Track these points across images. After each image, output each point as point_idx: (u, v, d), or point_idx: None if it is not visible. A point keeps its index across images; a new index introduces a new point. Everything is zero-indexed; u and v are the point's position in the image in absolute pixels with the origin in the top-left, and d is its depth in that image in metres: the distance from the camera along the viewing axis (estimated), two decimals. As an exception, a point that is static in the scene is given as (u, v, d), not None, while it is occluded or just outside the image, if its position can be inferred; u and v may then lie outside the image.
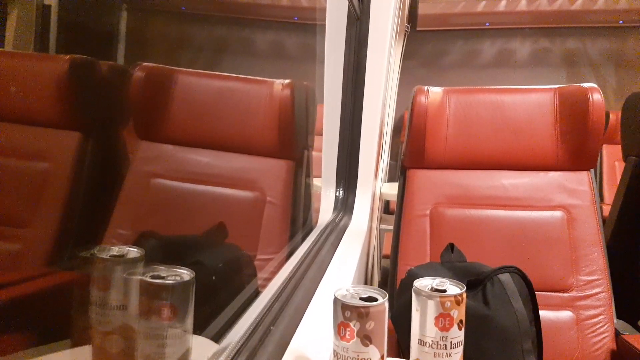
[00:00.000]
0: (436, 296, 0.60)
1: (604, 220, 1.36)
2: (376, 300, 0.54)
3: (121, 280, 0.56)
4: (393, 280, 1.36)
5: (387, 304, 0.54)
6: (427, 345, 0.60)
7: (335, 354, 0.54)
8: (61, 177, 1.02)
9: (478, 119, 1.42)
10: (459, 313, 0.60)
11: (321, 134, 1.52)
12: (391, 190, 2.22)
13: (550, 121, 1.39)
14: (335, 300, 0.54)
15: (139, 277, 0.55)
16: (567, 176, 1.37)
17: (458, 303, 0.60)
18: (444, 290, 0.61)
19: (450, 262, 1.09)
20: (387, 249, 1.64)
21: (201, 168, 1.35)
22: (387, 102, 2.43)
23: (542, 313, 1.03)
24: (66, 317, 0.59)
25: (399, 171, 1.52)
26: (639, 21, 4.00)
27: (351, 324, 0.52)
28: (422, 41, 4.33)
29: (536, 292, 1.01)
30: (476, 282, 0.98)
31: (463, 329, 0.61)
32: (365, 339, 0.52)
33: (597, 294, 1.25)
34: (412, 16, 4.11)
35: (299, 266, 0.94)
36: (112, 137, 1.24)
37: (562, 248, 1.29)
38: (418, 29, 4.23)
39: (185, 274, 0.55)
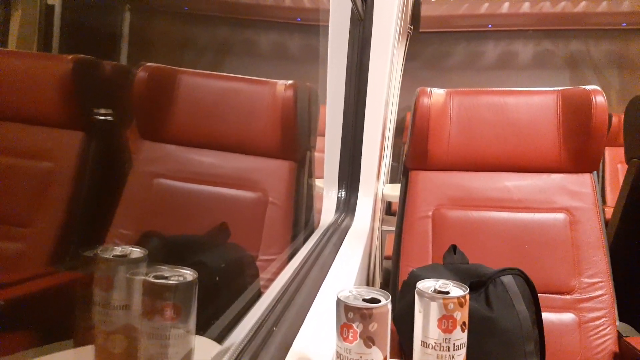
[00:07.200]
0: (439, 298, 0.59)
1: (606, 223, 1.36)
2: (379, 301, 0.54)
3: (124, 280, 0.56)
4: (395, 282, 1.36)
5: (390, 306, 0.54)
6: (430, 347, 0.60)
7: (338, 355, 0.54)
8: (64, 177, 1.02)
9: (481, 121, 1.42)
10: (462, 315, 0.60)
11: (324, 135, 1.52)
12: (393, 191, 2.22)
13: (553, 123, 1.38)
14: (338, 301, 0.54)
15: (142, 277, 0.55)
16: (570, 178, 1.37)
17: (461, 305, 0.60)
18: (447, 292, 0.61)
19: (452, 264, 1.09)
20: (389, 250, 1.64)
21: (204, 168, 1.35)
22: (390, 103, 2.43)
23: (545, 315, 1.03)
24: (69, 317, 0.60)
25: (402, 172, 1.52)
26: (642, 23, 4.00)
27: (354, 326, 0.52)
28: (425, 42, 4.33)
29: (539, 294, 1.00)
30: (479, 283, 0.98)
31: (466, 330, 0.61)
32: (368, 340, 0.52)
33: (599, 296, 1.25)
34: (415, 17, 4.11)
35: (302, 267, 0.93)
36: (115, 137, 1.24)
37: (564, 250, 1.29)
38: (421, 30, 4.23)
39: (188, 274, 0.55)
